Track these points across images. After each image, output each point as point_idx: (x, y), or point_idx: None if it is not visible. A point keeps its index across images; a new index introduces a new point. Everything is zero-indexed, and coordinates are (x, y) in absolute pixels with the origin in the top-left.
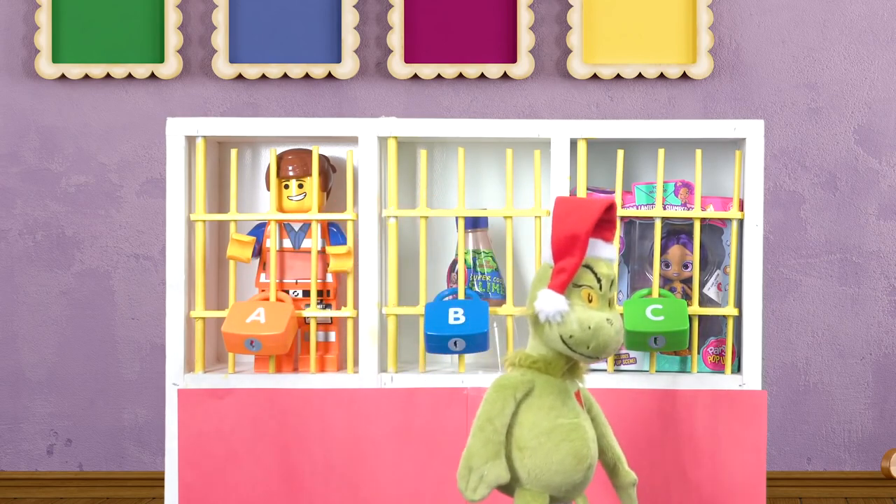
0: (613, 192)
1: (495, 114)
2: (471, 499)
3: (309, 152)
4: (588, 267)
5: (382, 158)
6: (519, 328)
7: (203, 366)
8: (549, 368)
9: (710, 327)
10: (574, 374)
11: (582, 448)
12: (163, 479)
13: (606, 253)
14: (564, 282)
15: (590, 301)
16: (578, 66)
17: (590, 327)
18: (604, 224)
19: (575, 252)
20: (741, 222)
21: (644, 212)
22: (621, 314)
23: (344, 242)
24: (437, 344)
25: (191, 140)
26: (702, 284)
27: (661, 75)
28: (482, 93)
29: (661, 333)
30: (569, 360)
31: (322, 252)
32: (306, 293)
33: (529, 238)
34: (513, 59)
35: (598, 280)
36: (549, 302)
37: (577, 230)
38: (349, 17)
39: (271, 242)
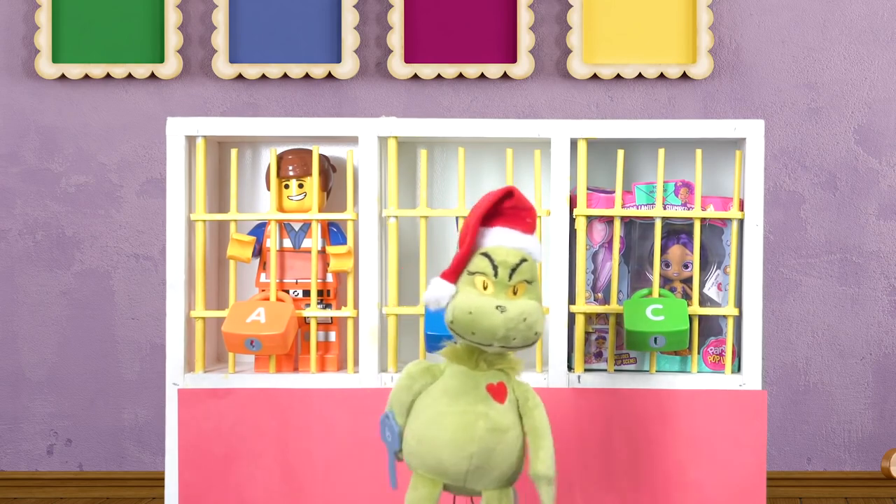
0: (613, 192)
1: (495, 114)
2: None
3: (309, 152)
4: (486, 255)
5: (382, 158)
6: None
7: (203, 366)
8: (458, 358)
9: (710, 327)
10: (496, 366)
11: (462, 435)
12: (163, 479)
13: (512, 242)
14: (452, 269)
15: (485, 288)
16: (578, 66)
17: (470, 312)
18: (510, 212)
19: (464, 240)
20: (741, 222)
21: (644, 212)
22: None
23: (344, 242)
24: (438, 344)
25: (191, 140)
26: (702, 284)
27: (661, 75)
28: (482, 93)
29: (661, 333)
30: (482, 351)
31: (322, 252)
32: (306, 293)
33: None
34: (513, 59)
35: (495, 267)
36: (431, 289)
37: (468, 220)
38: (349, 17)
39: (271, 242)
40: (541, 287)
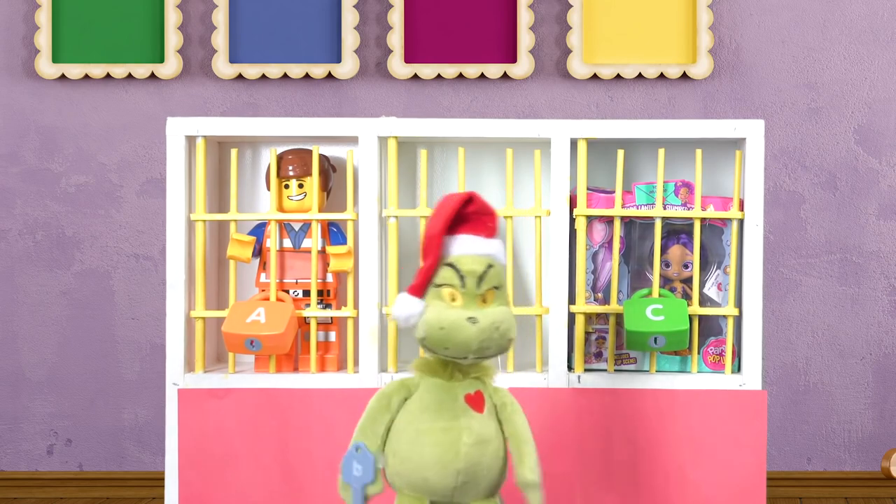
0: (613, 192)
1: (495, 114)
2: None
3: (309, 152)
4: (451, 265)
5: (382, 158)
6: (519, 328)
7: (203, 366)
8: (432, 370)
9: (710, 327)
10: (471, 375)
11: (446, 452)
12: (163, 479)
13: (477, 248)
14: (418, 284)
15: (453, 300)
16: (578, 66)
17: (442, 328)
18: (472, 218)
19: (429, 253)
20: (741, 222)
21: (644, 212)
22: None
23: (344, 242)
24: None
25: (191, 140)
26: (702, 284)
27: (661, 75)
28: (482, 93)
29: (661, 333)
30: (456, 361)
31: (322, 252)
32: (306, 293)
33: (530, 238)
34: (513, 59)
35: (462, 277)
36: (399, 306)
37: (430, 230)
38: (349, 17)
39: (271, 242)
40: (510, 290)
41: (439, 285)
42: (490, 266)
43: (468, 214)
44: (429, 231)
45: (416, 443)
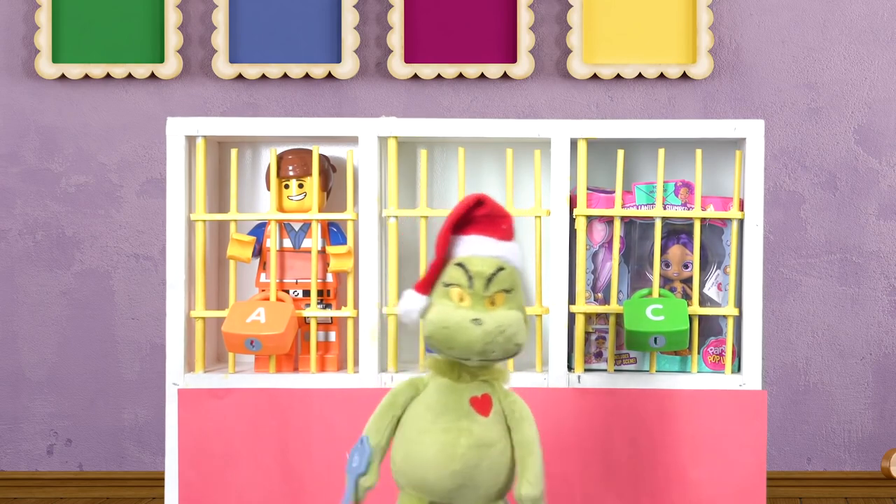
0: (613, 192)
1: (495, 114)
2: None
3: (309, 152)
4: (460, 265)
5: (382, 158)
6: None
7: (203, 366)
8: (441, 370)
9: (710, 327)
10: (479, 377)
11: (442, 453)
12: (163, 479)
13: (487, 250)
14: (424, 281)
15: (461, 300)
16: (578, 66)
17: (446, 327)
18: (483, 220)
19: (437, 251)
20: (741, 222)
21: (644, 212)
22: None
23: (344, 242)
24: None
25: (191, 140)
26: (702, 284)
27: (661, 75)
28: (482, 93)
29: (661, 333)
30: (464, 363)
31: (322, 252)
32: (306, 293)
33: (530, 238)
34: (513, 59)
35: (470, 278)
36: (403, 302)
37: (441, 229)
38: (349, 17)
39: (271, 242)
40: (521, 295)
41: (448, 284)
42: (500, 268)
43: (479, 216)
44: (440, 230)
45: (416, 442)
